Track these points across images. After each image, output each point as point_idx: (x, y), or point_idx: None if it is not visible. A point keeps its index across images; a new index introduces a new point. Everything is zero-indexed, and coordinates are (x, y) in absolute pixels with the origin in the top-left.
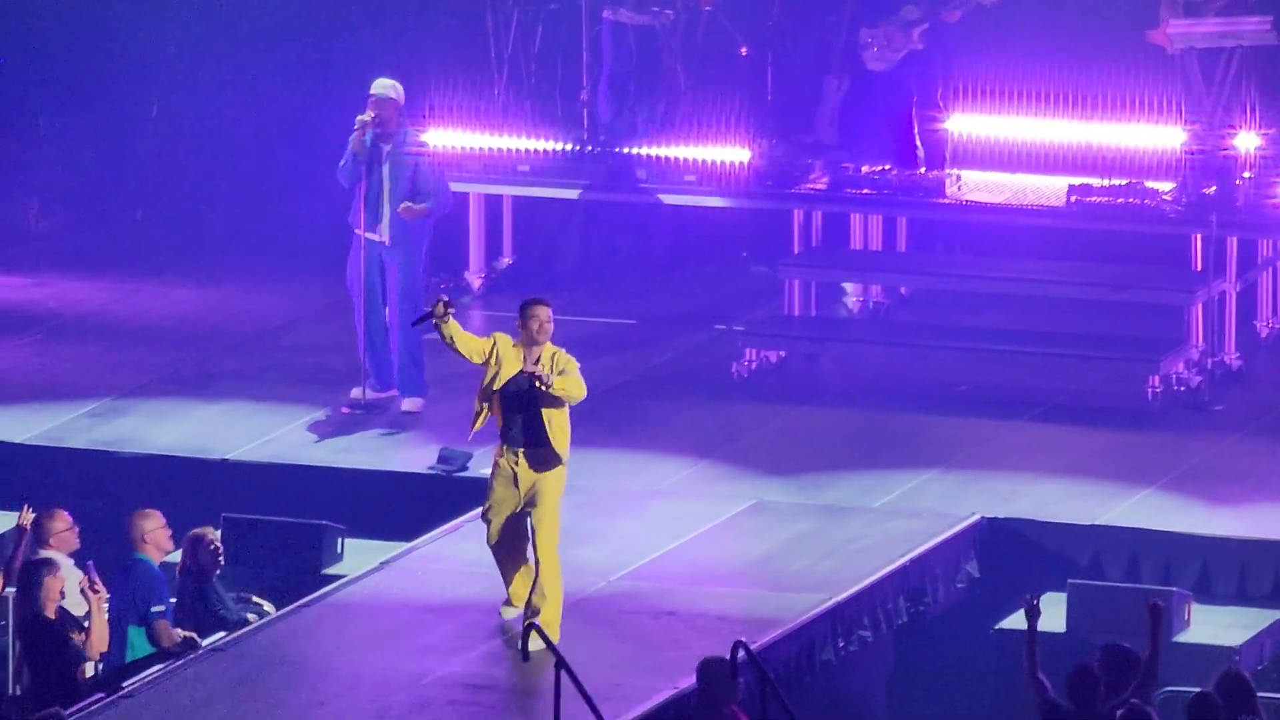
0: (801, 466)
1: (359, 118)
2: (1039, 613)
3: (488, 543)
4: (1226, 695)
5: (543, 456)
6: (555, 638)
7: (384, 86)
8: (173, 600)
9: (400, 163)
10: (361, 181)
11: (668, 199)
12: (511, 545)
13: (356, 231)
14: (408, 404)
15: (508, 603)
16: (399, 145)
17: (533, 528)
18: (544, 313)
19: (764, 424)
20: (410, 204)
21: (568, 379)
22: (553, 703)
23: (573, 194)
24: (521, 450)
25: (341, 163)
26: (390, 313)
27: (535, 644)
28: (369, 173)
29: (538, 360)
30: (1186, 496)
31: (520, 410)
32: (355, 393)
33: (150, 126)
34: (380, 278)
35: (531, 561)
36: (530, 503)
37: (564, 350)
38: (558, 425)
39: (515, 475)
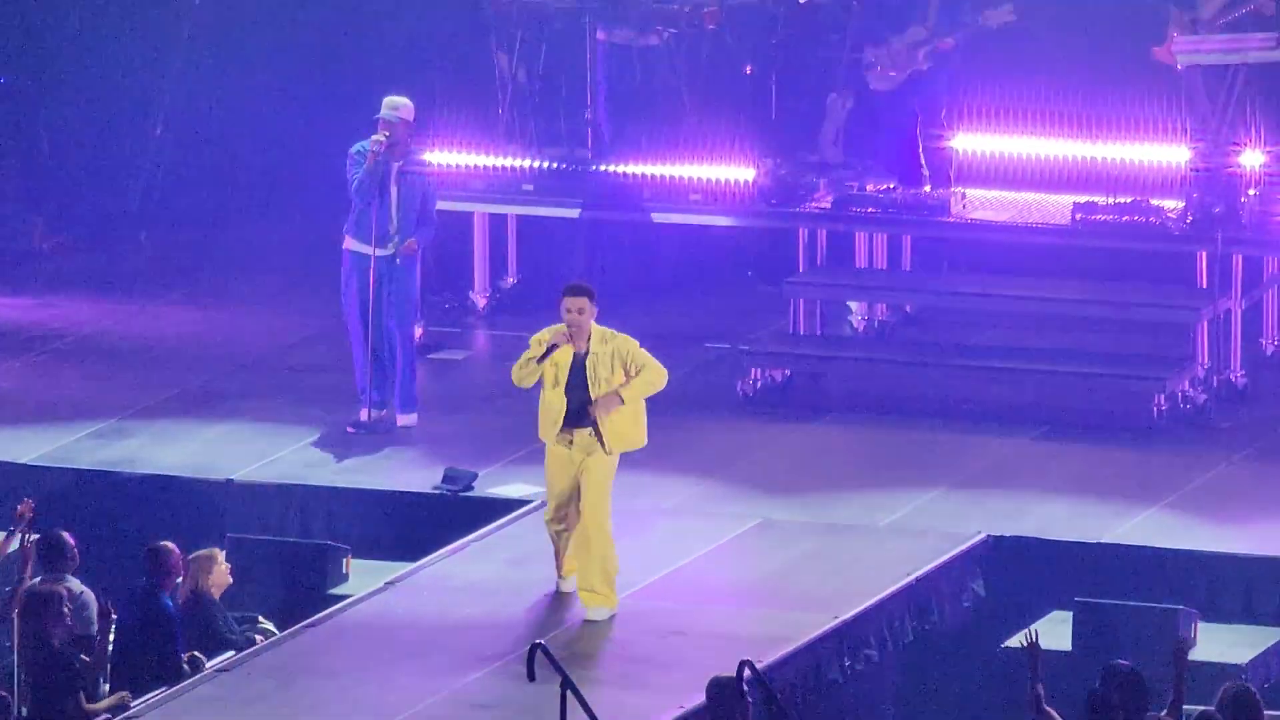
0: (807, 485)
1: (374, 138)
2: (1039, 647)
3: (547, 518)
4: (1233, 713)
5: (590, 439)
6: (613, 607)
7: (395, 105)
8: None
9: (411, 181)
10: (372, 199)
11: (672, 218)
12: (567, 525)
13: (350, 248)
14: (404, 419)
15: (566, 572)
16: (409, 163)
17: (582, 505)
18: (572, 304)
19: (769, 442)
20: (412, 241)
21: (640, 381)
22: None
23: (577, 213)
24: (576, 430)
25: (355, 183)
26: (393, 327)
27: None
28: (380, 190)
29: (587, 354)
30: (1193, 514)
31: (577, 395)
32: (363, 415)
33: (154, 146)
34: (384, 293)
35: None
36: (582, 482)
37: (621, 337)
38: (622, 418)
39: (568, 456)
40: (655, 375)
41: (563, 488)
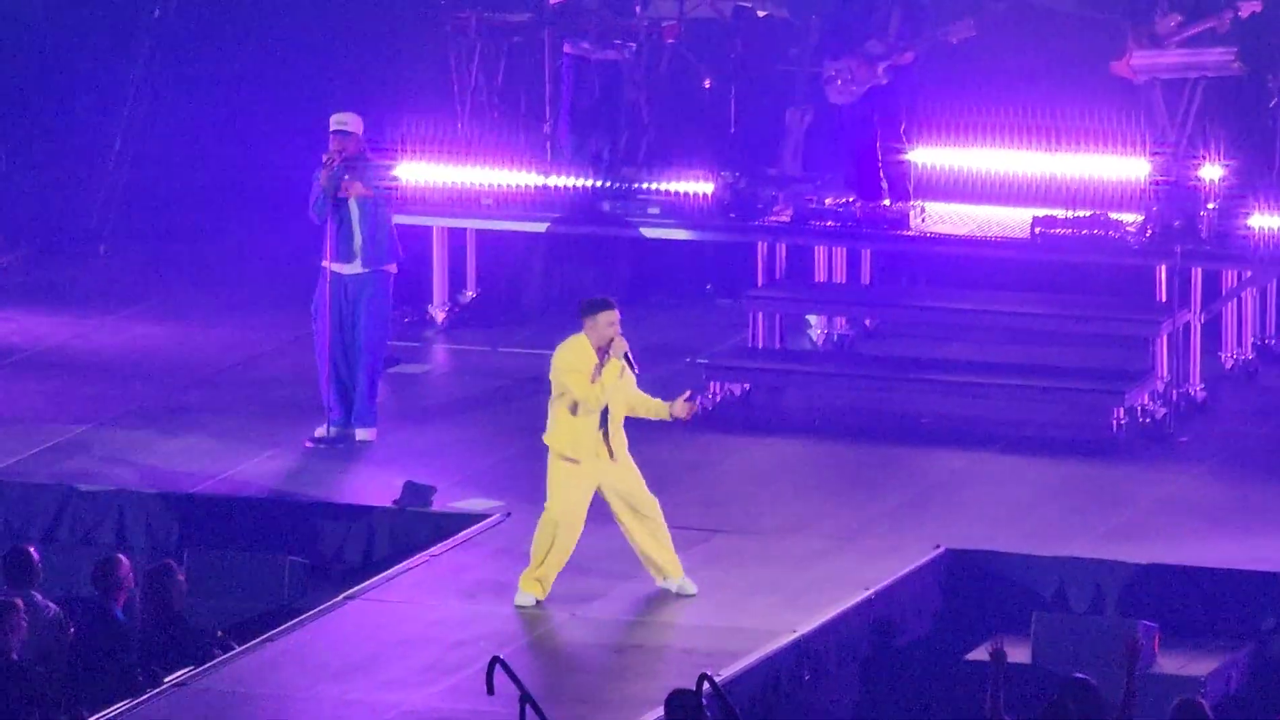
0: (766, 499)
1: (325, 155)
2: (1005, 655)
3: (554, 521)
4: None
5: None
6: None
7: (343, 120)
8: None
9: (366, 201)
10: (329, 216)
11: (631, 232)
12: (574, 529)
13: (324, 265)
14: (363, 434)
15: (532, 583)
16: (362, 175)
17: (631, 495)
18: (614, 316)
19: (728, 456)
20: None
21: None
22: None
23: (537, 227)
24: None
25: (312, 202)
26: (361, 345)
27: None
28: (336, 206)
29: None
30: (1151, 528)
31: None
32: (320, 431)
33: (114, 159)
34: (352, 311)
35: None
36: (620, 481)
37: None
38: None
39: (605, 457)
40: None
41: (586, 502)
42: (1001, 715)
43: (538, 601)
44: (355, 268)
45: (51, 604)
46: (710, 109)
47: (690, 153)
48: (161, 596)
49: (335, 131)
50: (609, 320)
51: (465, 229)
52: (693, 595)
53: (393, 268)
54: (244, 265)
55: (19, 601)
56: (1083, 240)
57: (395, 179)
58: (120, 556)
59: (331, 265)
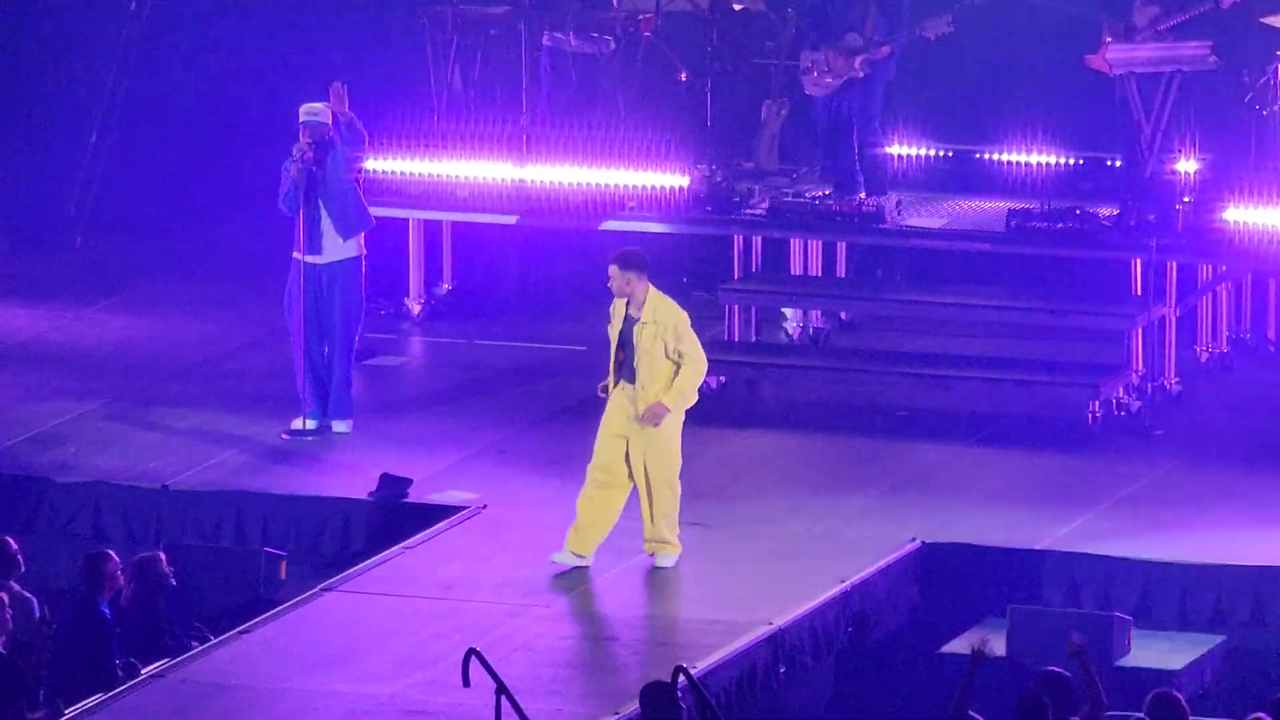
0: (742, 492)
1: (295, 147)
2: (984, 658)
3: (590, 476)
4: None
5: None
6: (679, 551)
7: (313, 110)
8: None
9: (335, 184)
10: (300, 207)
11: (608, 224)
12: (610, 484)
13: (295, 256)
14: (338, 426)
15: (572, 550)
16: (332, 166)
17: (645, 461)
18: (611, 272)
19: (704, 449)
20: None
21: (681, 382)
22: None
23: (512, 220)
24: (626, 385)
25: (283, 193)
26: (337, 336)
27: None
28: (307, 198)
29: (638, 321)
30: (1127, 521)
31: (628, 354)
32: (296, 423)
33: (90, 152)
34: (326, 302)
35: (611, 517)
36: (642, 441)
37: (671, 310)
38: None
39: (623, 411)
40: (693, 369)
41: (614, 445)
42: (966, 713)
43: (580, 558)
44: (324, 257)
45: (33, 596)
46: (686, 102)
47: (666, 146)
48: (148, 588)
49: (305, 122)
50: (609, 273)
51: (441, 222)
52: (665, 568)
53: (361, 246)
54: (220, 258)
55: (3, 595)
56: (1058, 234)
57: (362, 169)
58: (110, 552)
59: (304, 257)
